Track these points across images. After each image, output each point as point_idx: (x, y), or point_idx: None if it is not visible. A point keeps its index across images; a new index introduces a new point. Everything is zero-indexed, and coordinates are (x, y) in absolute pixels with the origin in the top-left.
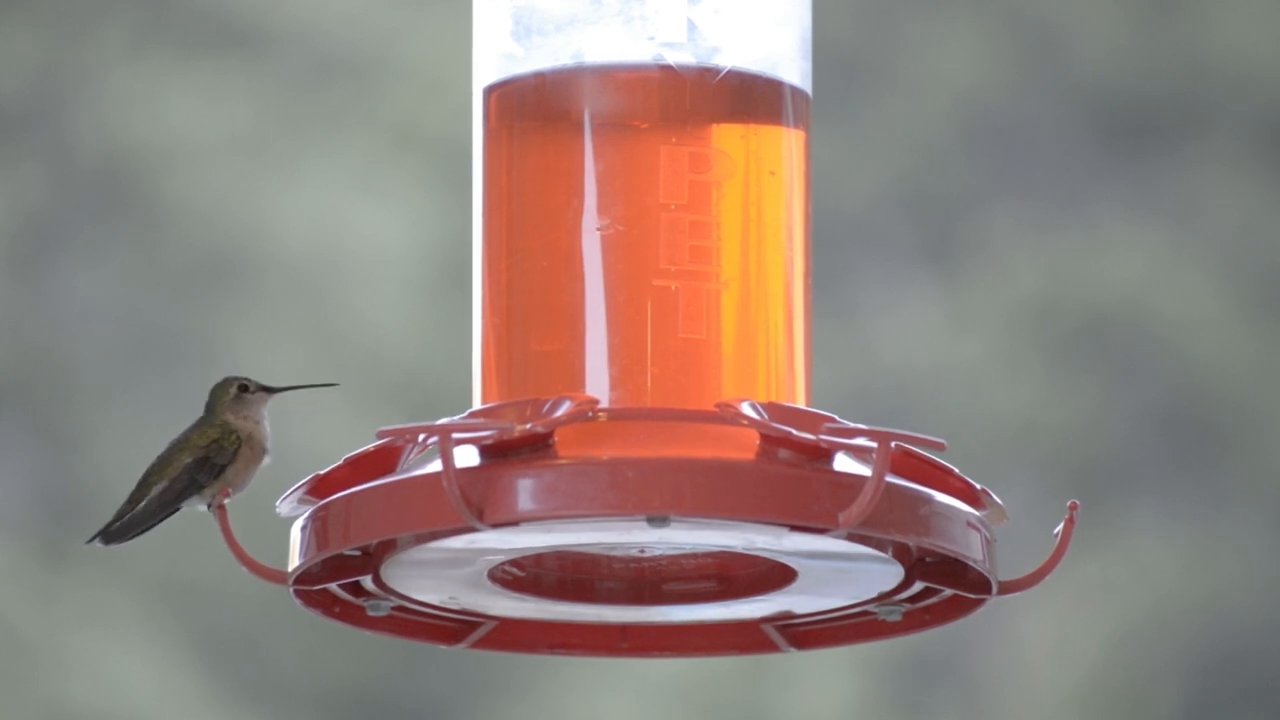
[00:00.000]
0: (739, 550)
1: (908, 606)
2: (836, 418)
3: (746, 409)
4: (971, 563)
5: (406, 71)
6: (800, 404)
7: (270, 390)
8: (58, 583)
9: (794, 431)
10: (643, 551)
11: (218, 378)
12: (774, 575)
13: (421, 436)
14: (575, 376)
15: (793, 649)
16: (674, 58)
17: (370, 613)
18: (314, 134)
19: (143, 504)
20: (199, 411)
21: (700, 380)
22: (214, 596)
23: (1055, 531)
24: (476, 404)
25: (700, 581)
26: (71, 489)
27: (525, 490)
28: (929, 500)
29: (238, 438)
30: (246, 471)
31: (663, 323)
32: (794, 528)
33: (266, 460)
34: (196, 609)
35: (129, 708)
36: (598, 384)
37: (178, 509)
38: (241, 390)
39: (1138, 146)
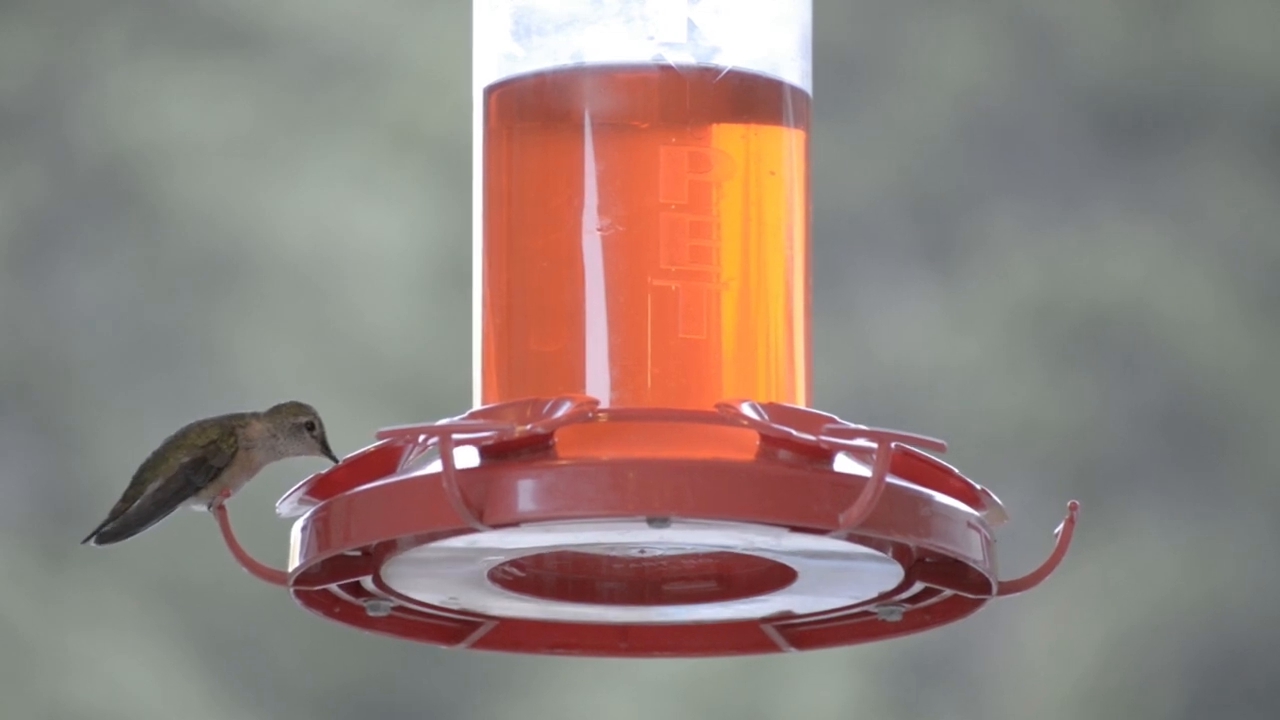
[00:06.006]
0: (739, 550)
1: (908, 606)
2: (837, 418)
3: (746, 409)
4: (971, 563)
5: (406, 71)
6: (800, 404)
7: (326, 449)
8: (58, 583)
9: (794, 432)
10: (643, 552)
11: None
12: (774, 575)
13: (421, 437)
14: (575, 377)
15: (793, 649)
16: (674, 58)
17: (370, 613)
18: (314, 134)
19: (137, 503)
20: (198, 411)
21: (700, 380)
22: (214, 596)
23: (1055, 532)
24: (476, 404)
25: (700, 581)
26: (71, 489)
27: (525, 491)
28: (929, 501)
29: (235, 441)
30: (242, 476)
31: (663, 323)
32: (794, 528)
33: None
34: (196, 609)
35: (129, 708)
36: (598, 384)
37: (174, 510)
38: (308, 427)
39: (1138, 146)
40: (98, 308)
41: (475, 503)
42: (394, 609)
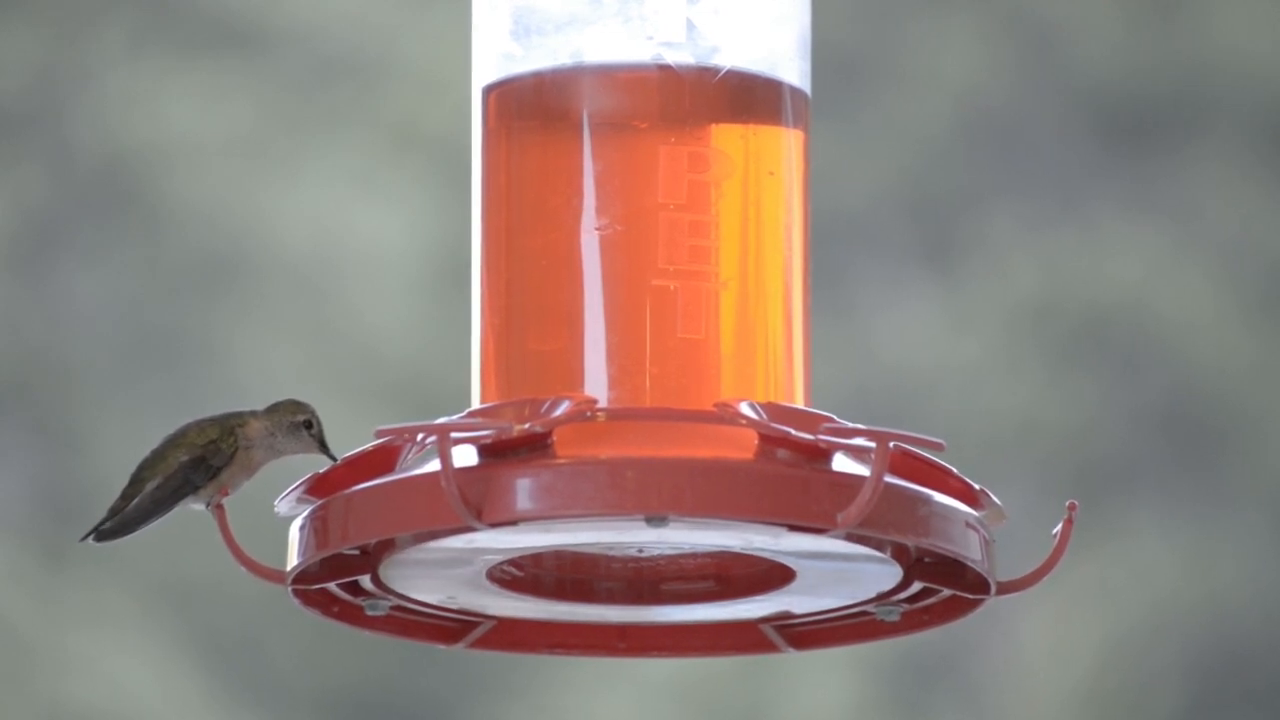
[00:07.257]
0: (737, 550)
1: (906, 606)
2: (835, 418)
3: (745, 409)
4: (970, 563)
5: (406, 71)
6: (799, 404)
7: (324, 447)
8: (58, 583)
9: (793, 431)
10: (641, 551)
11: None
12: (772, 575)
13: (420, 436)
14: (574, 376)
15: (791, 649)
16: (673, 57)
17: (369, 612)
18: (314, 134)
19: (136, 501)
20: (198, 411)
21: (699, 380)
22: (214, 596)
23: (1054, 531)
24: (475, 403)
25: (699, 581)
26: (71, 489)
27: (524, 490)
28: (928, 500)
29: (235, 441)
30: (242, 475)
31: (661, 322)
32: (793, 528)
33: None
34: (196, 609)
35: (129, 708)
36: (596, 384)
37: (173, 509)
38: (306, 425)
39: (1138, 146)
40: (98, 308)
41: (474, 502)
42: (392, 608)
